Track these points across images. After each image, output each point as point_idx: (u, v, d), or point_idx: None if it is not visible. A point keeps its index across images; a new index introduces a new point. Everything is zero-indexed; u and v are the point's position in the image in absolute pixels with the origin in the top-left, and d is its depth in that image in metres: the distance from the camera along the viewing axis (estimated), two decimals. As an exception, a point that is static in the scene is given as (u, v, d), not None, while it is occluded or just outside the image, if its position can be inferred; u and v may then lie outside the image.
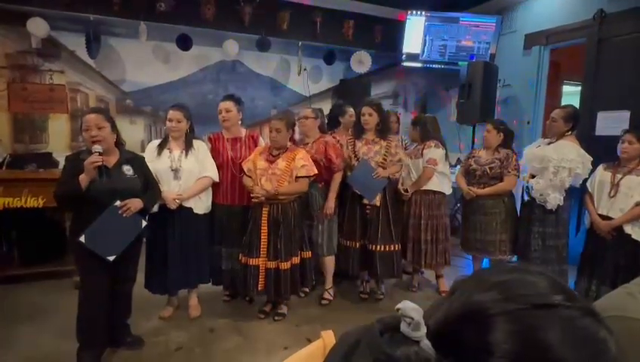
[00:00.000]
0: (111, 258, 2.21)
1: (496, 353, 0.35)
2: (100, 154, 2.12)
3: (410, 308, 0.38)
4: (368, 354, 0.40)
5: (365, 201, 3.14)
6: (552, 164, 2.92)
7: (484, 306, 0.38)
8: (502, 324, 0.36)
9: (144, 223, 2.35)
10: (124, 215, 2.23)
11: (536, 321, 0.36)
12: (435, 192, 3.37)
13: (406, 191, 3.36)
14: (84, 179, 2.12)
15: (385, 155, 3.12)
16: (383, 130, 3.17)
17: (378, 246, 3.13)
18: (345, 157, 3.15)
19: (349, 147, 3.21)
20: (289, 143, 2.89)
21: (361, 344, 0.42)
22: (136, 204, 2.27)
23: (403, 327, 0.38)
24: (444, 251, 3.40)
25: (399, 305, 0.39)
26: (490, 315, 0.37)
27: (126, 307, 2.48)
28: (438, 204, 3.38)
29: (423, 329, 0.38)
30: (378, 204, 3.13)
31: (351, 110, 3.54)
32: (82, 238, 2.14)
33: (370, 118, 3.13)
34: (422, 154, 3.33)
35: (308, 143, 3.14)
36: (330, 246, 3.19)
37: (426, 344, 0.37)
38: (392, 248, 3.16)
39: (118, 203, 2.21)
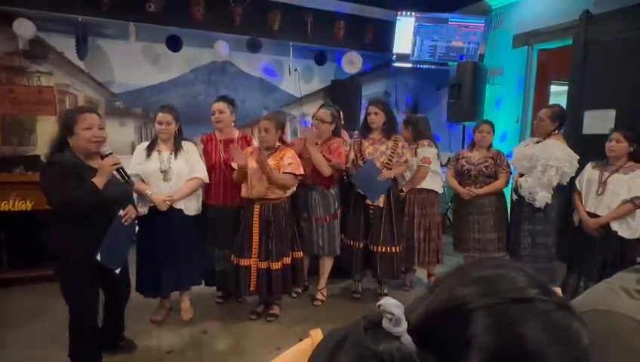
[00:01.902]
0: (117, 270, 2.17)
1: (475, 346, 0.36)
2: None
3: (392, 304, 0.39)
4: (353, 350, 0.40)
5: (369, 202, 3.13)
6: (540, 163, 2.95)
7: (465, 300, 0.39)
8: (481, 318, 0.37)
9: (137, 228, 2.34)
10: (127, 223, 2.19)
11: (514, 315, 0.37)
12: (428, 191, 3.39)
13: (401, 190, 3.37)
14: (100, 182, 1.99)
15: (390, 156, 3.11)
16: (389, 129, 3.14)
17: (380, 248, 3.12)
18: (345, 160, 3.11)
19: (356, 147, 3.18)
20: (278, 143, 2.89)
21: (348, 340, 0.42)
22: (133, 210, 2.26)
23: (384, 323, 0.39)
24: (437, 250, 3.42)
25: (380, 302, 0.39)
26: (471, 309, 0.38)
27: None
28: (432, 202, 3.40)
29: (404, 325, 0.38)
30: (382, 205, 3.12)
31: (339, 112, 3.52)
32: (98, 257, 2.04)
33: (376, 117, 3.10)
34: (415, 153, 3.35)
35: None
36: (332, 247, 3.18)
37: (407, 339, 0.38)
38: (393, 250, 3.15)
39: (121, 212, 2.16)
